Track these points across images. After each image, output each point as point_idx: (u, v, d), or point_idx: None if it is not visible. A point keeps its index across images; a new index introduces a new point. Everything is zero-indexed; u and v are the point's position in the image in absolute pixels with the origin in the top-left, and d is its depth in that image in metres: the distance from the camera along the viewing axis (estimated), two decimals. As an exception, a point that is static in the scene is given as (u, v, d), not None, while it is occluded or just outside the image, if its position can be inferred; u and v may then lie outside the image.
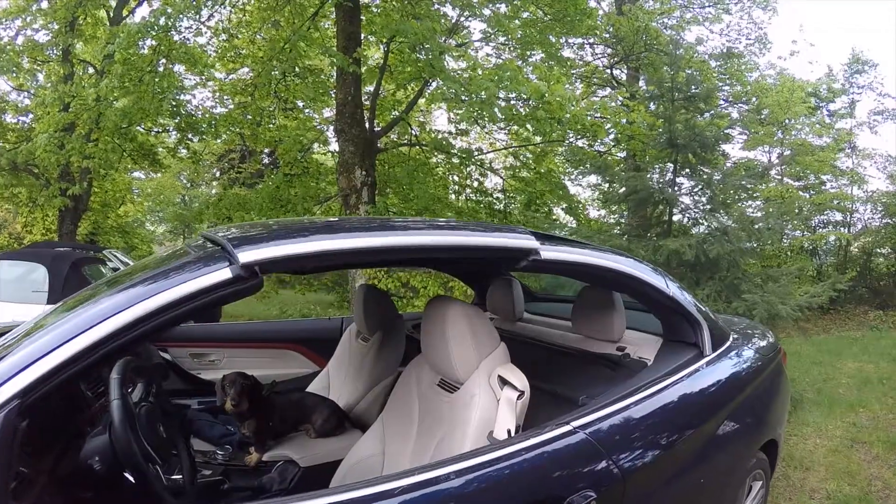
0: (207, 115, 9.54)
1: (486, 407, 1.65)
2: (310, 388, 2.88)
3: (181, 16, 7.49)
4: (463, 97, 7.82)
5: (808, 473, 3.82)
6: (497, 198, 9.12)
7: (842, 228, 14.47)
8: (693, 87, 6.09)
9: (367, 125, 8.15)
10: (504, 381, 1.68)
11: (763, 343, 2.51)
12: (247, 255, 1.29)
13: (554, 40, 9.98)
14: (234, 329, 3.37)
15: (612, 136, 8.18)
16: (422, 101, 10.31)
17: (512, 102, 8.44)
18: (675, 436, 1.78)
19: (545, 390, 2.18)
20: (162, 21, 7.41)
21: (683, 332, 2.13)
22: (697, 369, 1.99)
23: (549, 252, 1.69)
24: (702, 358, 2.05)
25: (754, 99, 13.57)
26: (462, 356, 1.74)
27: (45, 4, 9.30)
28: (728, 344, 2.22)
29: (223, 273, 1.28)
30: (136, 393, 1.84)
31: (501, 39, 11.25)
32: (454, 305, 1.77)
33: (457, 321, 1.74)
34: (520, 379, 1.66)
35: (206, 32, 9.91)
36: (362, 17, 8.13)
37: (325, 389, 2.85)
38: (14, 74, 10.24)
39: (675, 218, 5.80)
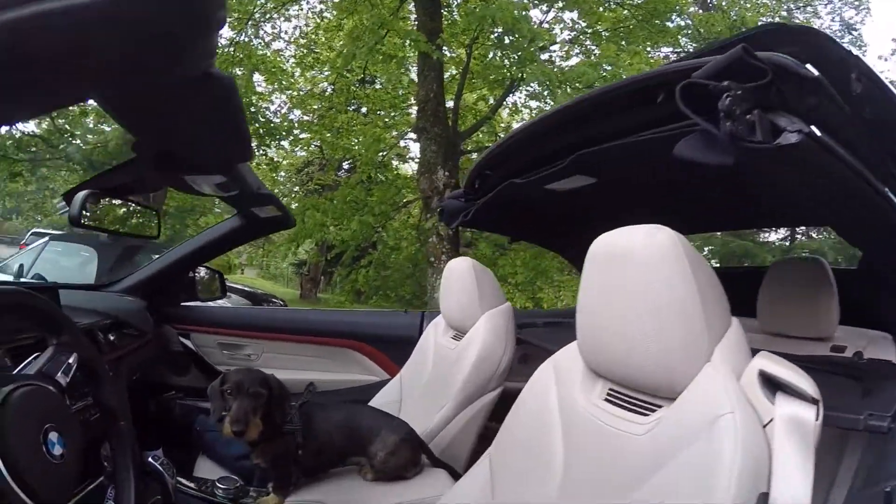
0: (286, 123, 9.20)
1: (750, 444, 0.77)
2: (373, 403, 2.04)
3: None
4: (556, 90, 7.20)
5: None
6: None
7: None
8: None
9: (449, 125, 7.71)
10: (774, 384, 0.82)
11: None
12: None
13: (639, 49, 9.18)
14: (278, 316, 2.59)
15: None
16: (506, 113, 9.90)
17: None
18: None
19: None
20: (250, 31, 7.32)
21: None
22: None
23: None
24: None
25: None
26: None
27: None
28: None
29: None
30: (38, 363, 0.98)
31: (587, 44, 10.53)
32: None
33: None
34: (802, 375, 0.82)
35: (282, 38, 9.78)
36: (444, 11, 7.81)
37: (395, 405, 2.01)
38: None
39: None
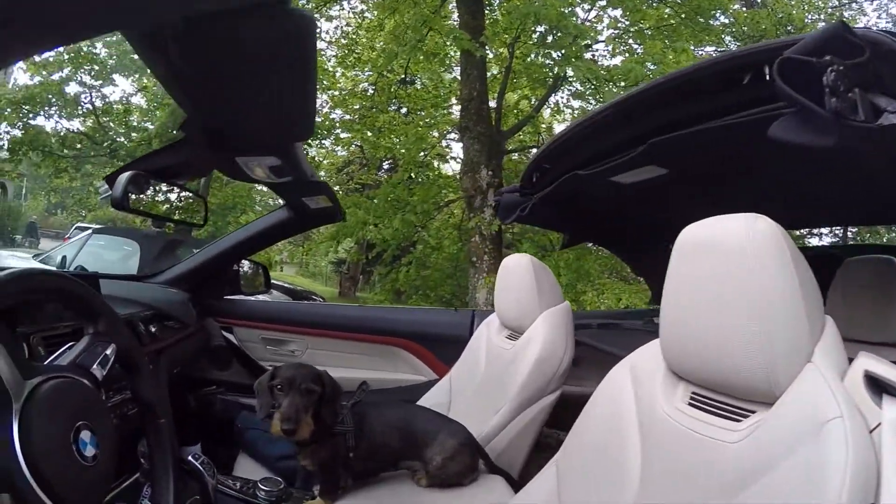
0: (328, 122, 9.23)
1: (860, 451, 0.68)
2: (421, 404, 1.92)
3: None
4: (602, 88, 7.09)
5: None
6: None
7: None
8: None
9: (492, 124, 7.66)
10: (880, 386, 0.75)
11: None
12: None
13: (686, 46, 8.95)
14: (324, 312, 2.50)
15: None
16: (548, 113, 9.73)
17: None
18: None
19: None
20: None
21: None
22: None
23: None
24: None
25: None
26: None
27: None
28: None
29: None
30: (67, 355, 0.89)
31: (630, 42, 10.37)
32: None
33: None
34: None
35: (323, 38, 9.79)
36: (486, 10, 7.74)
37: (444, 406, 1.89)
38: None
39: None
